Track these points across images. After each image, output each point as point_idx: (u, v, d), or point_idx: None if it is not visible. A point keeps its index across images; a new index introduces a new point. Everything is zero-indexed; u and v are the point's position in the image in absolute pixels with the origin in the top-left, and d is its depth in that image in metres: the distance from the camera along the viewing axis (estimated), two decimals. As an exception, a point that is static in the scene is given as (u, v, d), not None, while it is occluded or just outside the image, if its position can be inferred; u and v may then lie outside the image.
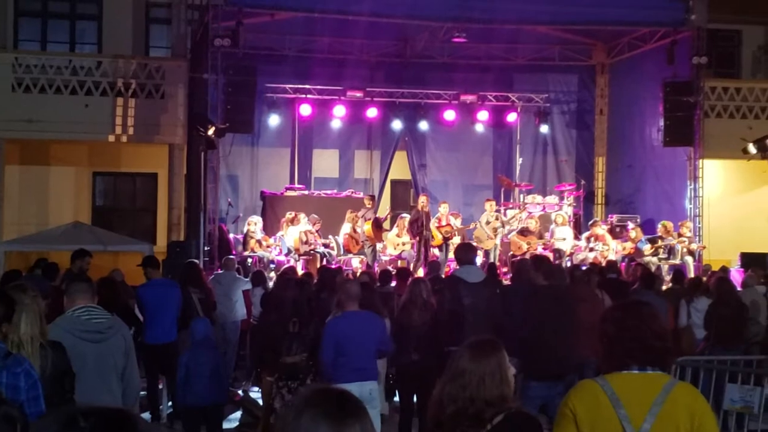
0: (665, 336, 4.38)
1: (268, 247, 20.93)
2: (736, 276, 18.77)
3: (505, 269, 20.87)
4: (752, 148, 20.45)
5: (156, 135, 21.73)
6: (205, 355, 10.25)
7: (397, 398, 11.34)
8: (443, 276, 16.34)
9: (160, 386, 12.92)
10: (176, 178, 21.51)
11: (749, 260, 20.39)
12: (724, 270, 18.19)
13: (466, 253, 10.99)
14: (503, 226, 21.88)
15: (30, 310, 6.05)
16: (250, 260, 20.15)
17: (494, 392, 4.31)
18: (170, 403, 12.53)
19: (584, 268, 15.28)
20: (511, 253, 21.59)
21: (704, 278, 16.86)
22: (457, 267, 11.21)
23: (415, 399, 10.93)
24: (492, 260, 20.78)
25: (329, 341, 9.09)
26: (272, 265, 20.19)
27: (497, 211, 22.20)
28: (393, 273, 15.27)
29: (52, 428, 2.32)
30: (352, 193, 23.72)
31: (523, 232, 21.77)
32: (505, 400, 4.35)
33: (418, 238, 20.76)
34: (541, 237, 21.98)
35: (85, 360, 6.72)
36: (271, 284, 17.25)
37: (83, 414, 2.32)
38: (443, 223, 21.45)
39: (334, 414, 2.49)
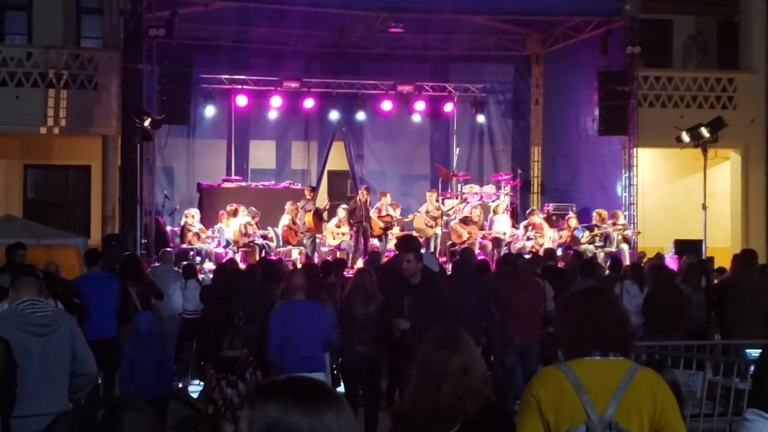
0: (625, 322, 4.41)
1: (205, 239, 20.77)
2: (670, 263, 19.05)
3: (443, 259, 20.95)
4: (686, 137, 20.72)
5: (89, 127, 21.52)
6: (148, 348, 10.17)
7: (341, 388, 11.28)
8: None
9: (99, 381, 12.74)
10: (110, 170, 21.31)
11: (683, 247, 20.68)
12: (660, 257, 18.47)
13: (408, 244, 10.96)
14: (442, 216, 21.95)
15: None
16: (191, 252, 19.96)
17: (464, 383, 4.31)
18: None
19: (526, 256, 15.42)
20: (450, 242, 21.67)
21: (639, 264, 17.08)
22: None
23: (360, 391, 10.92)
24: (432, 250, 20.83)
25: (274, 330, 9.08)
26: (198, 258, 19.98)
27: (437, 201, 22.27)
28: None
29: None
30: (290, 184, 23.62)
31: (466, 221, 21.85)
32: (475, 390, 4.34)
33: (356, 229, 20.77)
34: (482, 227, 22.11)
35: (30, 353, 6.68)
36: (203, 276, 17.15)
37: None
38: (383, 213, 21.47)
39: (305, 401, 2.42)
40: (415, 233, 20.27)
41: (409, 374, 4.45)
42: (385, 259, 19.31)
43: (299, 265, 17.94)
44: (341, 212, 21.71)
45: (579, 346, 4.28)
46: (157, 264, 17.47)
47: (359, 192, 21.34)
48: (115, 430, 2.25)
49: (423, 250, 18.35)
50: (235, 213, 20.89)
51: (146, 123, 19.00)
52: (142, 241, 19.58)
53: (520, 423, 4.25)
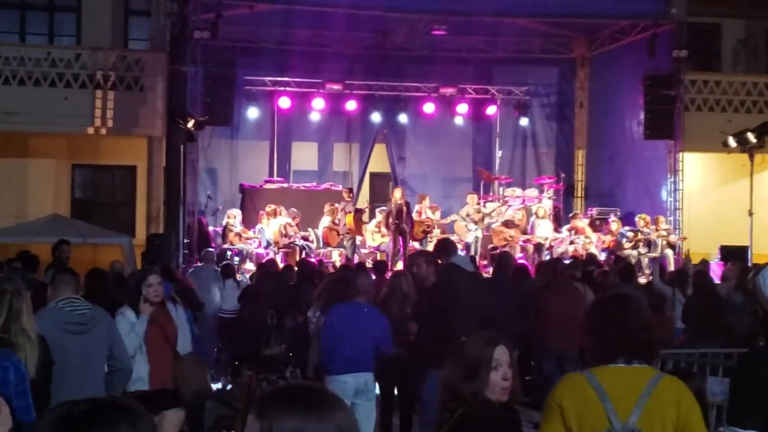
0: (651, 328, 4.37)
1: (247, 239, 20.89)
2: (716, 269, 18.85)
3: (484, 262, 20.89)
4: (732, 142, 20.50)
5: (135, 127, 21.67)
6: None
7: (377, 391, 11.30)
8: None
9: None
10: (155, 171, 21.45)
11: (729, 253, 20.45)
12: (704, 263, 18.27)
13: (450, 246, 10.95)
14: (483, 219, 21.87)
15: (28, 302, 6.04)
16: (229, 253, 20.08)
17: (467, 387, 4.39)
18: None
19: (567, 261, 15.35)
20: (492, 245, 21.58)
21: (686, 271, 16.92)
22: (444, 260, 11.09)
23: (396, 392, 10.93)
24: (472, 253, 20.76)
25: (329, 328, 9.12)
26: (237, 258, 20.09)
27: (478, 204, 22.19)
28: (370, 266, 15.26)
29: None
30: (331, 185, 23.67)
31: (508, 224, 21.75)
32: (473, 396, 4.41)
33: (393, 231, 20.74)
34: (524, 231, 22.00)
35: (68, 352, 6.73)
36: (241, 276, 17.25)
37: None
38: (423, 216, 21.44)
39: (318, 407, 2.38)
40: (455, 236, 20.24)
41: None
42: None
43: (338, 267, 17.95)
44: (378, 215, 21.75)
45: (603, 353, 4.26)
46: (199, 264, 17.62)
47: (393, 193, 21.28)
48: (88, 429, 2.23)
49: (463, 253, 18.41)
50: (274, 214, 20.99)
51: (190, 124, 19.15)
52: (185, 241, 19.72)
53: (542, 429, 4.24)
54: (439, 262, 10.49)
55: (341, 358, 9.03)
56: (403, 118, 25.00)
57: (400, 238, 20.66)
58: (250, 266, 19.66)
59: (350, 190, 22.40)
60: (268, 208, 21.15)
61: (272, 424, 2.34)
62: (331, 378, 8.91)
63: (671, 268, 19.24)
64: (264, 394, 2.45)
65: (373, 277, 14.29)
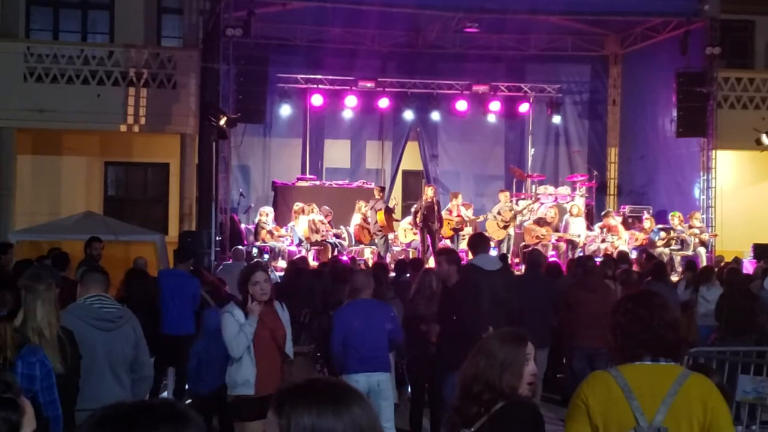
0: (677, 326, 4.36)
1: (279, 237, 20.95)
2: (749, 267, 18.73)
3: (517, 260, 20.84)
4: (765, 139, 20.36)
5: (168, 125, 21.78)
6: (216, 344, 10.21)
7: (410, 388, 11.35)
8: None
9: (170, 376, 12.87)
10: (188, 168, 21.54)
11: (762, 251, 20.30)
12: (737, 261, 18.16)
13: (480, 242, 10.93)
14: (515, 217, 21.80)
15: (45, 298, 6.10)
16: (256, 250, 20.13)
17: (503, 381, 4.36)
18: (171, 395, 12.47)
19: (598, 259, 15.28)
20: (524, 243, 21.51)
21: (716, 269, 16.80)
22: (472, 257, 11.12)
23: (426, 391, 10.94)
24: (504, 251, 20.71)
25: (338, 330, 9.09)
26: (266, 255, 20.11)
27: (510, 201, 22.13)
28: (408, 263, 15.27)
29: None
30: (364, 183, 23.68)
31: (540, 222, 21.68)
32: (511, 390, 4.39)
33: (421, 229, 20.71)
34: (557, 229, 21.92)
35: (95, 348, 6.79)
36: (271, 273, 17.27)
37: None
38: (454, 214, 21.41)
39: (335, 402, 2.39)
40: (486, 234, 20.18)
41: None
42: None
43: (371, 265, 17.96)
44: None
45: (629, 351, 4.25)
46: (230, 261, 17.68)
47: (425, 191, 21.26)
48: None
49: (495, 250, 18.39)
50: (302, 211, 21.02)
51: (222, 122, 19.20)
52: (217, 238, 19.78)
53: (567, 427, 4.23)
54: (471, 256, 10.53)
55: (354, 357, 8.98)
56: (435, 115, 25.00)
57: (428, 235, 20.64)
58: (282, 263, 19.71)
59: (381, 189, 22.41)
60: (295, 207, 21.16)
61: (290, 420, 2.35)
62: (345, 377, 8.86)
63: (703, 265, 19.09)
64: (282, 390, 2.44)
65: (408, 275, 14.33)
